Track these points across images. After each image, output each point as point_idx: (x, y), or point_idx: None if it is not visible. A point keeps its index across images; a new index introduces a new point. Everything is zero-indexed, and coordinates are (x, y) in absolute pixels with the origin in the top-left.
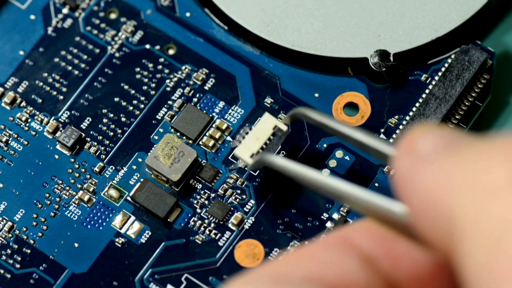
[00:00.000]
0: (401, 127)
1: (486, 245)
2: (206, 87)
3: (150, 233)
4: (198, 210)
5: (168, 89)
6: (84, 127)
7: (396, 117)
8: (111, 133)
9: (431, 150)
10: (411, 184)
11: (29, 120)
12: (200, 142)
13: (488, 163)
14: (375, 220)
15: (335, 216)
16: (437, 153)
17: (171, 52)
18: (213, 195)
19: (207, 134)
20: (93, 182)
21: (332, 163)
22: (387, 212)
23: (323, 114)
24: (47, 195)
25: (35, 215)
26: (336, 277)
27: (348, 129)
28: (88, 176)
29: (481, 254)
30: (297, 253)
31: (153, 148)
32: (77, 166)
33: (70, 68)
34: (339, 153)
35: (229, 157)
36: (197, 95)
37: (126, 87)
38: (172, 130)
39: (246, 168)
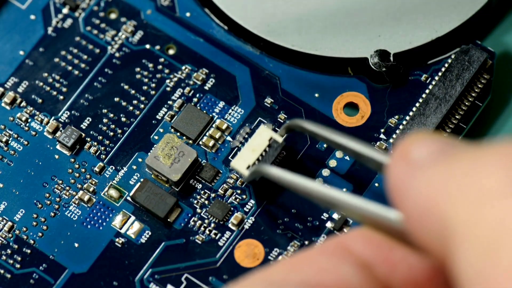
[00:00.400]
0: (401, 127)
1: (480, 251)
2: (206, 87)
3: (150, 233)
4: (198, 210)
5: (168, 89)
6: (84, 127)
7: (396, 117)
8: (111, 133)
9: (425, 157)
10: (405, 191)
11: (29, 120)
12: (200, 142)
13: (483, 170)
14: (371, 228)
15: (335, 216)
16: (431, 160)
17: (171, 52)
18: (213, 195)
19: (207, 134)
20: (93, 182)
21: (332, 163)
22: (383, 220)
23: (318, 124)
24: (47, 195)
25: (35, 215)
26: (333, 282)
27: (343, 139)
28: (88, 176)
29: (475, 260)
30: (294, 259)
31: (153, 148)
32: (77, 166)
33: (70, 68)
34: (339, 153)
35: (229, 157)
36: (197, 95)
37: (126, 87)
38: (172, 130)
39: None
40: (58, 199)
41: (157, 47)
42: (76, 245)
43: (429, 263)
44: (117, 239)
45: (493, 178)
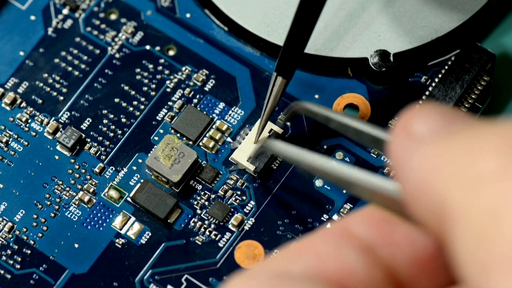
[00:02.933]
0: None
1: (475, 235)
2: (206, 88)
3: (150, 234)
4: (198, 211)
5: (168, 90)
6: (84, 128)
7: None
8: (111, 134)
9: (426, 131)
10: (404, 165)
11: (29, 120)
12: (200, 143)
13: (480, 151)
14: (375, 202)
15: (335, 217)
16: (431, 136)
17: (171, 53)
18: (213, 196)
19: (207, 135)
20: (93, 183)
21: None
22: (384, 191)
23: (321, 106)
24: (47, 195)
25: (35, 216)
26: (336, 269)
27: (347, 119)
28: (88, 177)
29: (470, 243)
30: (297, 247)
31: (153, 149)
32: (77, 166)
33: (70, 68)
34: (339, 155)
35: (229, 158)
36: (197, 96)
37: (126, 88)
38: (172, 131)
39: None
40: (58, 200)
41: (157, 48)
42: (76, 245)
43: (432, 241)
44: (117, 240)
45: (489, 160)
